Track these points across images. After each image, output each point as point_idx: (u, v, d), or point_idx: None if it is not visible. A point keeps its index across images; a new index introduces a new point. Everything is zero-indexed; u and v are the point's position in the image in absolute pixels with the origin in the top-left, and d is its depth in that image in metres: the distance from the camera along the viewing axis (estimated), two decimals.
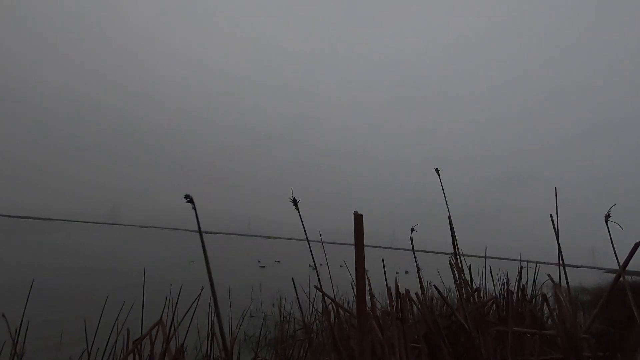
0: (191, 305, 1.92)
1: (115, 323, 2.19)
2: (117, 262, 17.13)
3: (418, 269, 1.91)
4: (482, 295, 2.08)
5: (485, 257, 3.37)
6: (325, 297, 2.20)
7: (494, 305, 2.10)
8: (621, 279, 1.44)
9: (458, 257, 2.20)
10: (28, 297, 2.94)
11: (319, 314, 4.37)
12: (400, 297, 2.14)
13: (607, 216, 0.96)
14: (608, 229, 0.96)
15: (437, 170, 1.75)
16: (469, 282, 2.18)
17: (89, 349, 1.96)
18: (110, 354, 2.10)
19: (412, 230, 1.75)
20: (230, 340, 2.06)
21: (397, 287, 2.06)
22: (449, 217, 2.01)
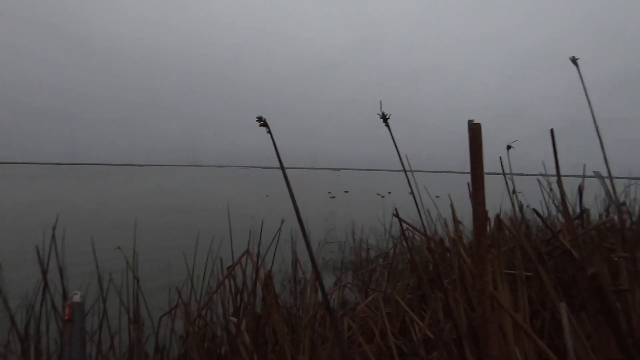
0: (275, 236, 2.01)
1: (209, 253, 2.43)
2: (202, 200, 19.06)
3: (513, 191, 1.69)
4: (589, 219, 1.82)
5: (584, 176, 2.95)
6: (403, 223, 2.11)
7: (604, 229, 1.83)
8: None
9: (560, 175, 1.91)
10: (135, 234, 3.43)
11: (394, 239, 4.42)
12: (489, 222, 1.97)
13: None
14: None
15: (573, 61, 1.43)
16: (581, 201, 1.91)
17: (191, 275, 2.23)
18: (208, 280, 2.37)
19: (509, 148, 1.51)
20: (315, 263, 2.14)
21: (484, 212, 1.89)
22: (551, 131, 1.70)
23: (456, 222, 1.85)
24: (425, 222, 2.35)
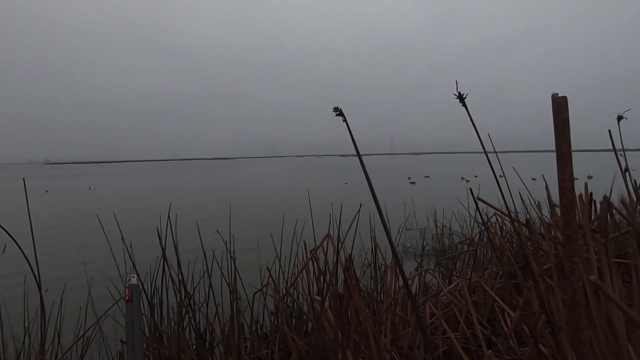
0: (353, 220, 2.07)
1: (293, 237, 2.61)
2: (285, 188, 20.12)
3: (626, 169, 1.48)
4: None
5: None
6: (490, 207, 1.98)
7: None
8: None
9: None
10: (230, 218, 3.84)
11: (480, 225, 4.14)
12: (594, 204, 1.74)
13: None
14: None
15: None
16: None
17: (279, 256, 2.43)
18: (294, 261, 2.55)
19: (620, 118, 1.31)
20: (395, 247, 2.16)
21: (590, 194, 1.68)
22: None
23: (552, 205, 1.68)
24: (516, 207, 2.17)
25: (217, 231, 2.59)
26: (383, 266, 2.52)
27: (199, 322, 2.01)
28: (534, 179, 21.05)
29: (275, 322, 2.19)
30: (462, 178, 23.59)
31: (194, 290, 2.21)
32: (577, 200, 1.83)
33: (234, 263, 2.15)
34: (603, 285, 1.31)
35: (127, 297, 1.05)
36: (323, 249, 1.99)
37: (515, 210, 1.98)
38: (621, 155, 1.54)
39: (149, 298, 2.18)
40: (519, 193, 3.00)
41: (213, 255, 2.28)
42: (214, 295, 2.13)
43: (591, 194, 1.56)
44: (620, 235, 1.53)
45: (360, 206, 2.21)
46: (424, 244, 6.63)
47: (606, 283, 1.34)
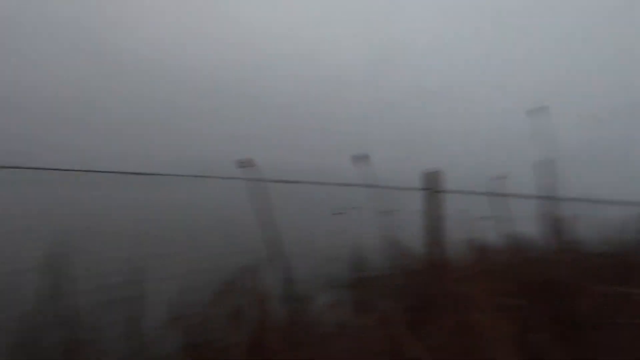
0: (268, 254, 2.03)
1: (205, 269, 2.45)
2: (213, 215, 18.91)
3: (505, 218, 1.72)
4: (583, 247, 1.82)
5: (590, 202, 2.94)
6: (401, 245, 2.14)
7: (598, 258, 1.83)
8: None
9: (555, 202, 1.92)
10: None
11: (395, 260, 4.37)
12: (482, 248, 1.99)
13: None
14: None
15: (542, 108, 1.47)
16: (569, 233, 1.92)
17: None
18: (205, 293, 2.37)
19: (500, 176, 1.54)
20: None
21: (478, 238, 1.91)
22: (548, 158, 1.73)
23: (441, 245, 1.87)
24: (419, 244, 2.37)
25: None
26: (300, 298, 2.49)
27: None
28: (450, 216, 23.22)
29: None
30: (385, 211, 24.98)
31: None
32: (470, 243, 2.07)
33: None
34: (483, 321, 1.48)
35: None
36: (239, 281, 1.92)
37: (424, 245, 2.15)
38: (499, 203, 1.81)
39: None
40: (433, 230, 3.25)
41: None
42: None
43: (478, 238, 1.78)
44: (497, 277, 1.75)
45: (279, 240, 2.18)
46: (339, 276, 6.78)
47: (486, 320, 1.51)
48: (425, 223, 2.38)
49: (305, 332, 1.98)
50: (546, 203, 1.81)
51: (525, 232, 1.97)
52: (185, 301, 2.26)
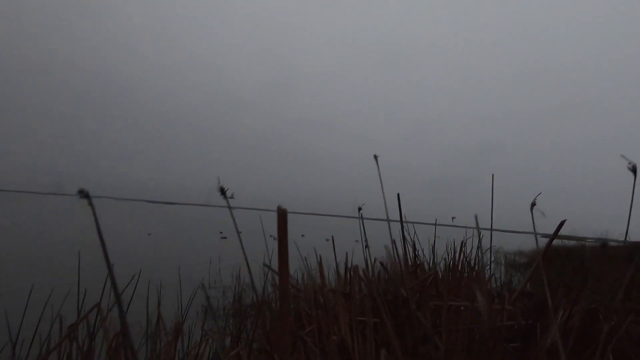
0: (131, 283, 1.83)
1: (44, 309, 2.02)
2: (58, 237, 16.15)
3: (365, 246, 1.94)
4: (430, 266, 2.20)
5: (435, 225, 3.53)
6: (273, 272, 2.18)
7: (438, 275, 2.22)
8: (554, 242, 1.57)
9: (404, 228, 2.27)
10: None
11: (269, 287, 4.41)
12: (348, 273, 2.19)
13: (533, 204, 1.01)
14: (532, 216, 1.01)
15: (375, 157, 1.74)
16: (415, 255, 2.29)
17: (14, 340, 1.81)
18: (44, 342, 1.94)
19: (359, 209, 1.75)
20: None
21: (345, 264, 2.10)
22: (398, 195, 2.05)
23: (322, 272, 2.01)
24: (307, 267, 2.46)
25: None
26: (166, 335, 2.29)
27: None
28: (327, 240, 24.56)
29: None
30: (272, 236, 25.02)
31: None
32: (337, 269, 2.26)
33: None
34: (348, 340, 1.62)
35: None
36: (88, 322, 1.65)
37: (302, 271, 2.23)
38: (362, 232, 2.06)
39: None
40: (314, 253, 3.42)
41: None
42: None
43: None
44: (362, 298, 1.95)
45: (140, 271, 2.00)
46: (219, 304, 6.49)
47: (351, 338, 1.66)
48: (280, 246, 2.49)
49: None
50: (395, 227, 2.11)
51: (380, 254, 2.28)
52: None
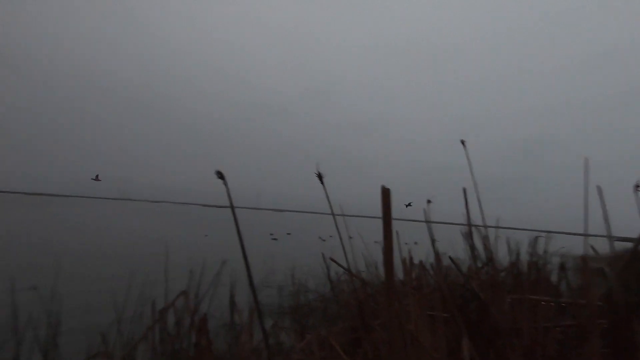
0: (214, 278, 1.99)
1: (140, 295, 2.29)
2: (134, 237, 17.62)
3: (433, 240, 1.93)
4: (495, 265, 2.11)
5: (497, 227, 3.37)
6: (340, 267, 2.24)
7: (508, 274, 2.13)
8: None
9: (472, 227, 2.21)
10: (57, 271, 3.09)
11: (332, 283, 4.47)
12: (414, 268, 2.18)
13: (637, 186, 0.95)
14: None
15: (462, 142, 1.73)
16: (483, 253, 2.21)
17: (119, 318, 2.07)
18: (137, 323, 2.20)
19: (429, 201, 1.75)
20: (256, 308, 2.15)
21: (411, 259, 2.10)
22: (464, 189, 2.01)
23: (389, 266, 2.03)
24: (357, 266, 2.50)
25: (35, 288, 2.07)
26: (239, 326, 2.44)
27: None
28: (376, 242, 24.21)
29: None
30: (320, 237, 25.24)
31: None
32: (403, 263, 2.26)
33: (55, 326, 1.76)
34: (417, 333, 1.62)
35: None
36: (175, 308, 1.83)
37: (357, 269, 2.27)
38: (430, 228, 2.04)
39: None
40: (364, 254, 3.45)
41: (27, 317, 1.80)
42: None
43: (411, 258, 1.97)
44: (430, 292, 1.94)
45: (223, 263, 2.16)
46: (280, 302, 6.68)
47: (420, 332, 1.66)
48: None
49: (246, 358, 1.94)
50: (466, 227, 2.07)
51: (450, 253, 2.24)
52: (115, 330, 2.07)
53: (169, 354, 1.77)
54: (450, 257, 2.04)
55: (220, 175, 0.95)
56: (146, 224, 28.06)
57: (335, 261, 1.92)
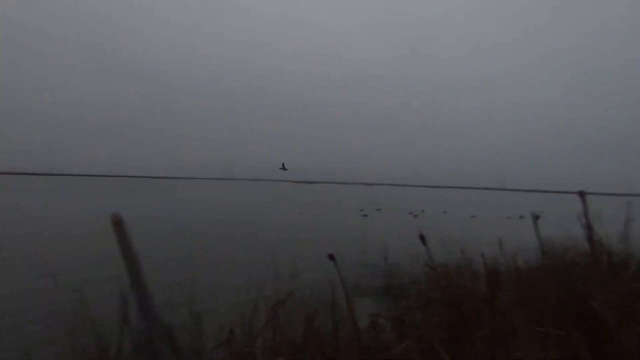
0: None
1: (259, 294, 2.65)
2: (240, 218, 19.47)
3: (535, 218, 1.77)
4: (626, 275, 1.83)
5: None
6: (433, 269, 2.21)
7: None
8: None
9: (592, 229, 1.94)
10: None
11: (427, 270, 4.38)
12: (520, 273, 2.03)
13: None
14: None
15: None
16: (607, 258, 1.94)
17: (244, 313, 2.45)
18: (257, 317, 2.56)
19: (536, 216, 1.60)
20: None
21: (517, 269, 1.96)
22: (580, 192, 1.76)
23: (489, 274, 1.94)
24: (453, 249, 2.42)
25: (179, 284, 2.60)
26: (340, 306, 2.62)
27: None
28: (474, 216, 22.65)
29: None
30: (410, 212, 24.65)
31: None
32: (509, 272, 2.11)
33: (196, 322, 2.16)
34: (525, 353, 1.54)
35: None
36: (286, 307, 2.07)
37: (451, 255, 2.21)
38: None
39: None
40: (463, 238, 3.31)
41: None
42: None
43: (517, 268, 1.84)
44: (538, 306, 1.80)
45: (333, 258, 2.34)
46: (374, 282, 6.87)
47: (528, 350, 1.58)
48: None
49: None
50: (587, 230, 1.84)
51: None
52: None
53: (282, 345, 2.03)
54: (563, 262, 1.85)
55: (283, 167, 1.02)
56: (249, 201, 30.86)
57: (429, 264, 1.91)
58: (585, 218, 1.90)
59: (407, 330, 2.81)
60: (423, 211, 25.91)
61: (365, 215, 22.04)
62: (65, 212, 19.13)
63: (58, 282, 5.60)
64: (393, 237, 12.48)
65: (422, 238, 1.70)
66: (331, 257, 0.95)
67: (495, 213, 27.35)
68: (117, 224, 0.91)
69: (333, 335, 2.61)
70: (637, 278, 1.88)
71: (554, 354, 1.45)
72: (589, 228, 1.89)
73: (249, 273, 5.69)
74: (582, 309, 1.63)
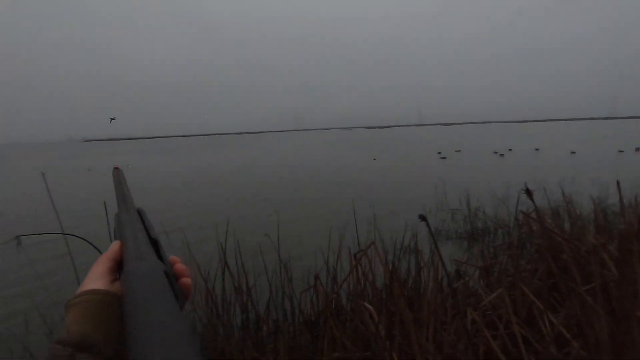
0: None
1: (340, 242, 2.77)
2: (316, 169, 19.99)
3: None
4: None
5: None
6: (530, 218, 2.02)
7: None
8: None
9: None
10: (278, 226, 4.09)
11: (518, 217, 4.06)
12: None
13: None
14: None
15: None
16: None
17: (326, 260, 2.61)
18: (335, 264, 2.71)
19: None
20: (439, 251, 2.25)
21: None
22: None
23: (599, 227, 1.69)
24: (547, 199, 2.17)
25: (268, 235, 2.87)
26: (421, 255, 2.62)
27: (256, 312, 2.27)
28: (573, 152, 19.94)
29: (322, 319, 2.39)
30: (495, 152, 22.67)
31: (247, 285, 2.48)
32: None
33: (285, 268, 2.36)
34: None
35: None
36: (367, 255, 2.12)
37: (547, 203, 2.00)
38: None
39: (208, 288, 2.47)
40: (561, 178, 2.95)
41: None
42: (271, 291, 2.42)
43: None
44: None
45: (422, 218, 2.30)
46: (457, 228, 6.66)
47: None
48: None
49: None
50: None
51: None
52: None
53: (367, 291, 2.13)
54: None
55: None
56: (321, 153, 31.48)
57: (532, 216, 1.74)
58: None
59: (496, 278, 2.70)
60: (510, 150, 23.63)
61: (444, 158, 20.92)
62: (171, 169, 22.11)
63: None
64: (476, 179, 11.73)
65: (527, 191, 1.51)
66: (422, 218, 0.91)
67: (603, 147, 23.73)
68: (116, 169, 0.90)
69: (416, 282, 2.64)
70: None
71: None
72: None
73: (332, 221, 5.97)
74: None
